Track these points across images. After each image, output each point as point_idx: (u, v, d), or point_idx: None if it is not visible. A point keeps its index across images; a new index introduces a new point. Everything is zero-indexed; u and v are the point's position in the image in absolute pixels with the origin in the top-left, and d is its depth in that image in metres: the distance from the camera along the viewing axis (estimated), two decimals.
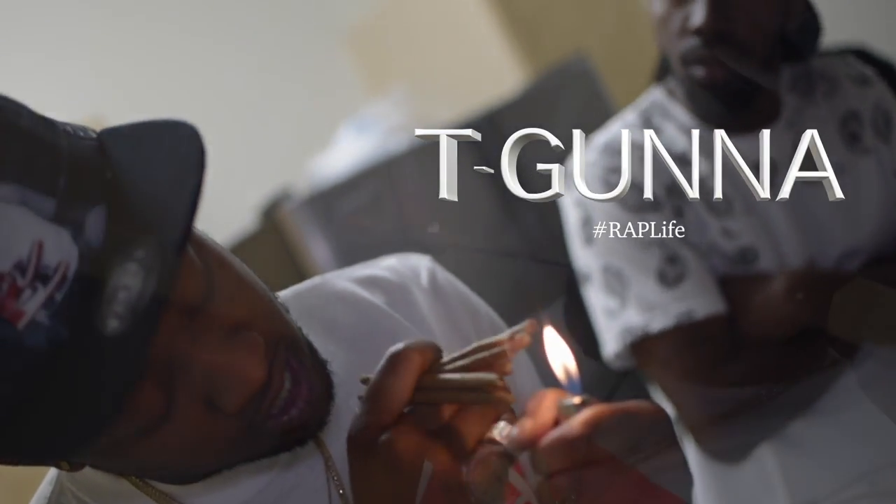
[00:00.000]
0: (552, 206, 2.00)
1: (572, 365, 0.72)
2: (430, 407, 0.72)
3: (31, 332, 0.66)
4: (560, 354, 0.73)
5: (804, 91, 1.01)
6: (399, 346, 0.74)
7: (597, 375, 0.99)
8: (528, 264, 1.94)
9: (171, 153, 0.71)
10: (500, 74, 2.66)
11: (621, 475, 0.87)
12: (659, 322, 0.91)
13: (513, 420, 0.71)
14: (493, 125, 2.27)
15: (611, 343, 0.91)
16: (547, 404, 0.71)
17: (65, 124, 0.73)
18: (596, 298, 0.93)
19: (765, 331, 0.93)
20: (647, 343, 0.91)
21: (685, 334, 0.91)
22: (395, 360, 0.73)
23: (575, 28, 2.55)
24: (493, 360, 0.72)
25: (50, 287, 0.66)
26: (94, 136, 0.74)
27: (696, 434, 0.92)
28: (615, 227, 0.93)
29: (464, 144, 2.35)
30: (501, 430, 0.71)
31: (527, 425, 0.71)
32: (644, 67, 1.28)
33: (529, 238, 2.01)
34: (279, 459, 0.85)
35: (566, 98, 2.19)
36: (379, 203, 1.99)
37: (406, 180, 2.06)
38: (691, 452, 0.94)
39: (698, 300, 0.92)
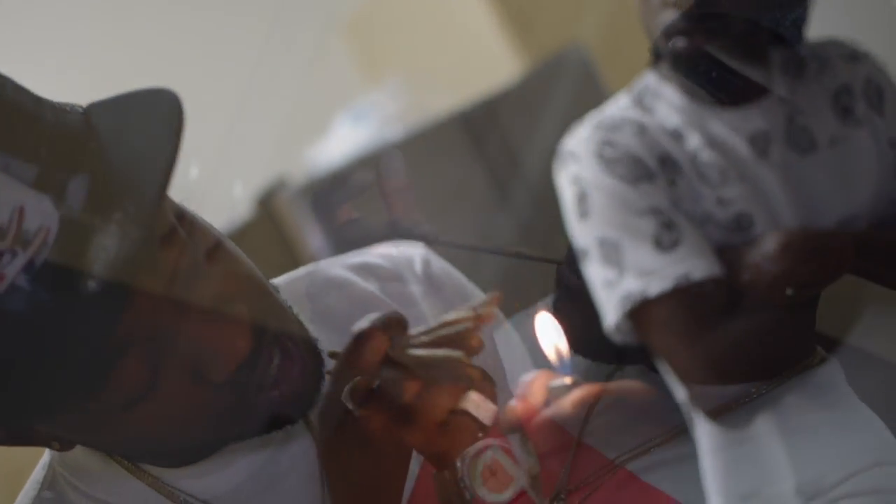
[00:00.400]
0: (547, 193, 2.00)
1: (563, 346, 0.72)
2: (398, 382, 0.72)
3: (11, 296, 0.67)
4: (551, 336, 0.73)
5: (795, 70, 1.01)
6: (363, 322, 0.74)
7: (588, 374, 0.99)
8: (522, 242, 1.94)
9: (151, 120, 0.73)
10: (497, 64, 2.65)
11: (613, 472, 0.88)
12: (657, 286, 0.91)
13: (484, 390, 0.71)
14: (489, 114, 2.27)
15: (611, 314, 0.91)
16: (537, 386, 0.71)
17: (52, 101, 0.75)
18: (594, 272, 0.93)
19: (760, 291, 0.93)
20: (647, 308, 0.91)
21: (684, 296, 0.91)
22: (359, 340, 0.73)
23: (570, 17, 2.55)
24: (458, 337, 0.72)
25: (30, 251, 0.67)
26: (80, 110, 0.76)
27: (699, 400, 0.93)
28: (610, 199, 0.94)
29: (460, 133, 2.34)
30: (471, 401, 0.71)
31: (517, 407, 0.71)
32: (639, 57, 1.28)
33: (524, 224, 2.01)
34: (271, 440, 0.86)
35: (562, 88, 2.19)
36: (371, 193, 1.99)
37: (397, 171, 2.05)
38: (698, 422, 0.94)
39: (695, 262, 0.92)
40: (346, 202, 1.07)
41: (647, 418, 0.95)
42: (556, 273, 0.96)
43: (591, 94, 2.19)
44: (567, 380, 0.71)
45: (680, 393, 0.94)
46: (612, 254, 0.92)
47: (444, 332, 0.72)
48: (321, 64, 3.21)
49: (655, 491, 0.90)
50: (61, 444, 0.83)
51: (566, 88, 2.23)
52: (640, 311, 0.91)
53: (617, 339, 0.92)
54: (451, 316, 0.73)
